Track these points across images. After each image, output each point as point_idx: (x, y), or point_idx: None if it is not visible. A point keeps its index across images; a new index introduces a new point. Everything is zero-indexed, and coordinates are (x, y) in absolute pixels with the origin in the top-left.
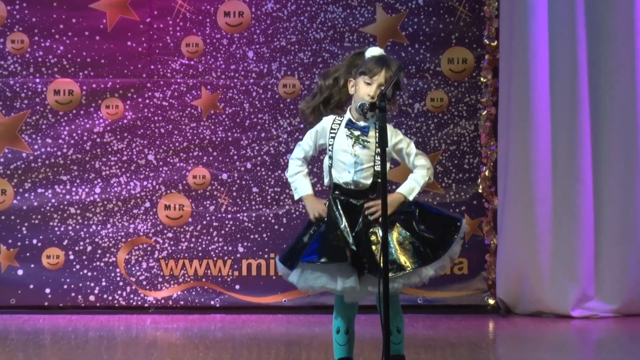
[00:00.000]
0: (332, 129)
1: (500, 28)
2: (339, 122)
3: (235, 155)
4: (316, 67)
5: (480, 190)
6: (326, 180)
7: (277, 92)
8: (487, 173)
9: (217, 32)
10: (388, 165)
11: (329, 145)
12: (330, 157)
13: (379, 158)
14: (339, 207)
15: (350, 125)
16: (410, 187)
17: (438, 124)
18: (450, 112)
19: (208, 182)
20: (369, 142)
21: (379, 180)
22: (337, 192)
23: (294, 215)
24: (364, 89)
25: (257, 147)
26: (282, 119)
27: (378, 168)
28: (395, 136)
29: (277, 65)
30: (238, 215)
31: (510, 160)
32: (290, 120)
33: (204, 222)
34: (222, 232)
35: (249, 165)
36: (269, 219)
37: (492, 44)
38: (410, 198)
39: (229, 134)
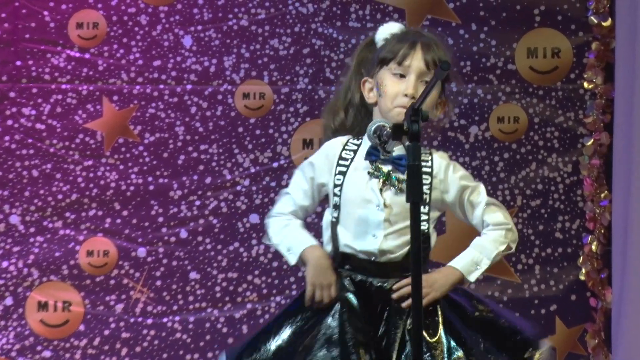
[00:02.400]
0: (342, 158)
1: None
2: (354, 146)
3: (161, 216)
4: (299, 64)
5: (582, 277)
6: (328, 248)
7: (233, 107)
8: (594, 247)
9: (132, 3)
10: (432, 224)
11: (336, 186)
12: (337, 208)
13: (425, 210)
14: (352, 292)
15: (373, 154)
16: (474, 261)
17: (510, 161)
18: (531, 142)
19: (113, 262)
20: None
21: (422, 247)
22: (347, 267)
23: (261, 320)
24: (393, 86)
25: (198, 202)
26: (241, 154)
27: (424, 227)
28: (452, 170)
29: (233, 60)
30: (164, 320)
31: (634, 226)
32: (256, 156)
33: (106, 332)
34: (138, 349)
35: (183, 234)
36: (218, 326)
37: (603, 24)
38: (472, 278)
39: (150, 179)
